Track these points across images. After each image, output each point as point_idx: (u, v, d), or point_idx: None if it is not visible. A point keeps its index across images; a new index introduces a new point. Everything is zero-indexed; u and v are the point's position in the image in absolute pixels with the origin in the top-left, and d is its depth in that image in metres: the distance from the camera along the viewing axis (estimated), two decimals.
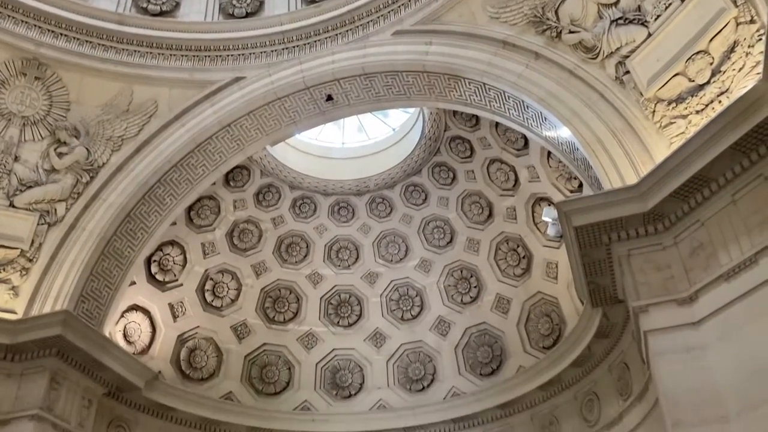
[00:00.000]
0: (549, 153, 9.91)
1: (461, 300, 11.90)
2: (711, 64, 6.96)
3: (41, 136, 9.52)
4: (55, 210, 9.40)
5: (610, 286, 7.77)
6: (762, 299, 5.87)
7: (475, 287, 11.77)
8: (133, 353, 9.98)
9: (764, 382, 5.64)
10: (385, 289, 12.37)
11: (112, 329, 10.00)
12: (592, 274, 7.66)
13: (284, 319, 12.15)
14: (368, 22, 9.52)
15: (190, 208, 11.19)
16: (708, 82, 7.01)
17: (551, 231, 9.45)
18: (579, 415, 9.70)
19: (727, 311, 6.14)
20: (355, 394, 11.90)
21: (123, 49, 9.83)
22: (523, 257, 11.08)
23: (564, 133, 8.25)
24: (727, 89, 6.82)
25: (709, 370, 6.06)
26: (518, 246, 11.13)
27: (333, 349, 12.15)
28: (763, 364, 5.68)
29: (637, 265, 6.93)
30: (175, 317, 11.11)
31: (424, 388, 11.75)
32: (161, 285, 11.03)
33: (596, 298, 8.07)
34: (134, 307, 10.63)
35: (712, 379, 6.01)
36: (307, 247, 12.32)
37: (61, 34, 9.63)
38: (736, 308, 6.08)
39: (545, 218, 9.28)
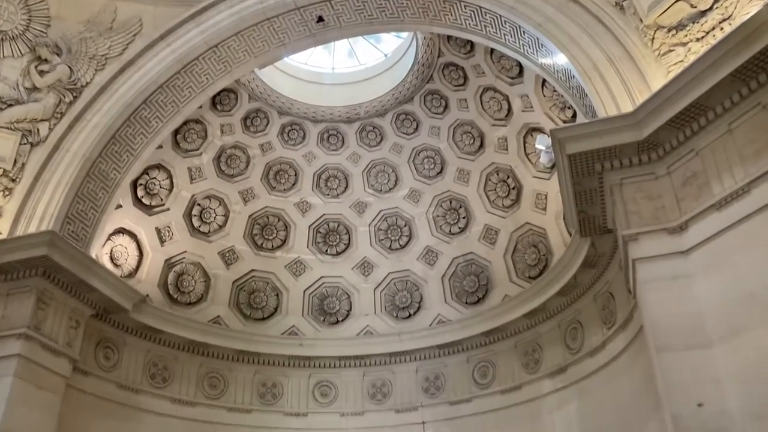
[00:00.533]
0: (543, 82, 9.75)
1: (449, 230, 11.91)
2: None
3: (21, 52, 9.22)
4: (38, 130, 9.20)
5: (600, 215, 7.78)
6: (752, 228, 5.89)
7: (463, 218, 11.77)
8: (121, 276, 9.95)
9: (748, 310, 5.72)
10: (373, 219, 12.34)
11: (99, 252, 9.94)
12: (583, 204, 7.65)
13: (272, 246, 12.14)
14: None
15: (176, 132, 10.98)
16: (710, 8, 6.83)
17: (544, 159, 9.39)
18: (562, 342, 9.87)
19: (717, 240, 6.16)
20: (343, 320, 12.03)
21: None
22: (513, 188, 11.04)
23: (560, 60, 8.08)
24: (730, 16, 6.64)
25: (695, 297, 6.13)
26: (508, 177, 11.08)
27: (321, 277, 12.21)
28: (749, 291, 5.75)
29: (628, 195, 6.92)
30: (162, 241, 11.06)
31: (410, 315, 11.90)
32: (148, 209, 10.93)
33: (585, 228, 8.08)
34: (121, 231, 10.54)
35: (697, 307, 6.08)
36: (295, 174, 12.20)
37: None
38: (725, 237, 6.10)
39: (538, 146, 9.19)
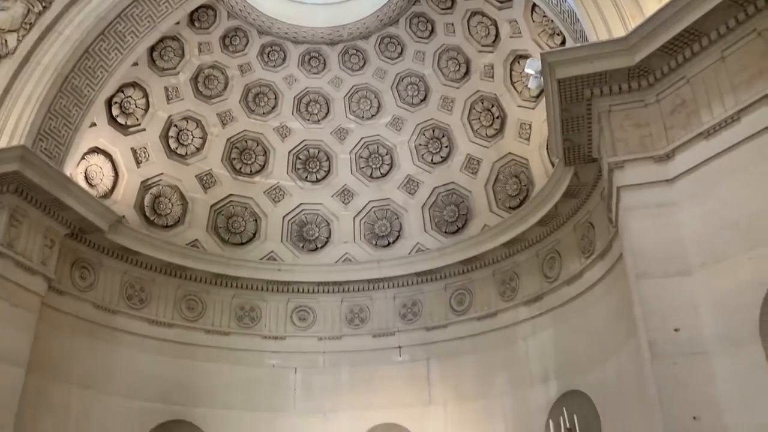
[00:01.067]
0: (533, 7, 9.48)
1: (431, 160, 11.80)
2: None
3: None
4: (6, 41, 8.80)
5: (585, 144, 7.71)
6: (740, 157, 5.88)
7: (446, 147, 11.65)
8: (96, 197, 9.72)
9: (730, 238, 5.77)
10: (354, 146, 12.16)
11: (73, 171, 9.68)
12: (569, 131, 7.57)
13: (251, 171, 11.94)
14: None
15: (152, 49, 10.55)
16: None
17: (532, 84, 9.22)
18: (539, 271, 9.97)
19: (703, 168, 6.15)
20: (322, 247, 12.01)
21: None
22: (497, 117, 10.91)
23: None
24: None
25: (677, 225, 6.16)
26: (493, 106, 10.92)
27: (300, 204, 12.10)
28: (732, 220, 5.78)
29: (616, 122, 6.85)
30: (138, 162, 10.80)
31: (389, 243, 11.91)
32: (123, 129, 10.61)
33: (570, 157, 8.03)
34: (95, 150, 10.24)
35: (679, 234, 6.12)
36: (275, 98, 11.89)
37: None
38: (711, 166, 6.09)
39: (528, 70, 9.00)
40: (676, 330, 5.80)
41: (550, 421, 9.05)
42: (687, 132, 6.36)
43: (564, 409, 8.83)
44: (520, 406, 9.75)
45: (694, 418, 5.46)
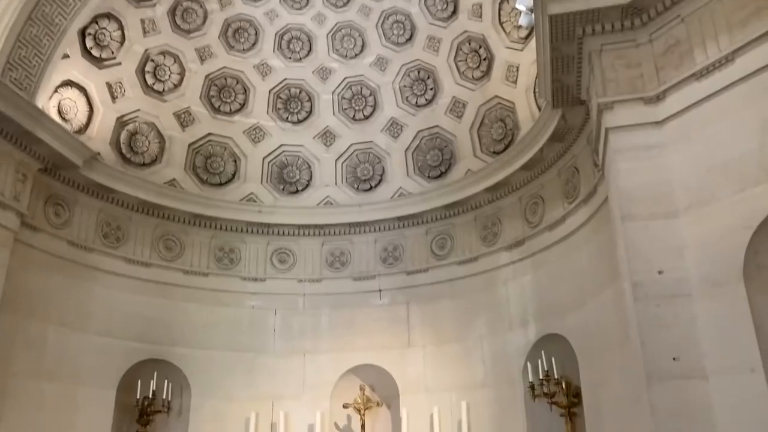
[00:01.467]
0: None
1: (416, 102, 11.57)
2: None
3: None
4: None
5: (574, 85, 7.57)
6: (732, 98, 5.77)
7: (431, 89, 11.42)
8: (70, 131, 9.40)
9: (718, 180, 5.72)
10: (337, 87, 11.87)
11: (46, 104, 9.32)
12: (559, 71, 7.41)
13: (230, 110, 11.63)
14: None
15: None
16: None
17: (523, 21, 8.99)
18: (522, 217, 9.92)
19: (694, 110, 6.05)
20: (302, 190, 11.84)
21: None
22: (484, 59, 10.66)
23: None
24: None
25: (665, 168, 6.09)
26: (480, 47, 10.65)
27: (281, 145, 11.85)
28: (721, 162, 5.72)
29: (607, 62, 6.70)
30: (113, 98, 10.43)
31: (371, 187, 11.77)
32: (98, 62, 10.20)
33: (558, 99, 7.88)
34: (69, 83, 9.85)
35: (667, 177, 6.06)
36: (256, 34, 11.50)
37: None
38: (703, 107, 5.98)
39: (519, 6, 8.76)
40: (660, 272, 5.78)
41: (528, 364, 9.15)
42: (679, 73, 6.23)
43: (542, 352, 8.93)
44: (499, 349, 9.83)
45: (674, 359, 5.50)
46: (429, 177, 11.41)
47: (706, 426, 5.17)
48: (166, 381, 9.89)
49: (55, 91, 9.62)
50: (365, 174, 11.79)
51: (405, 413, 10.05)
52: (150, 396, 9.72)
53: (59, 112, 9.67)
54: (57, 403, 8.89)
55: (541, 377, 8.78)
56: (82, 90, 10.04)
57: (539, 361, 8.87)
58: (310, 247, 11.52)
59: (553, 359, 8.74)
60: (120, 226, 10.22)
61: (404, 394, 10.43)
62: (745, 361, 5.11)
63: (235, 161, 11.58)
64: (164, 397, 9.84)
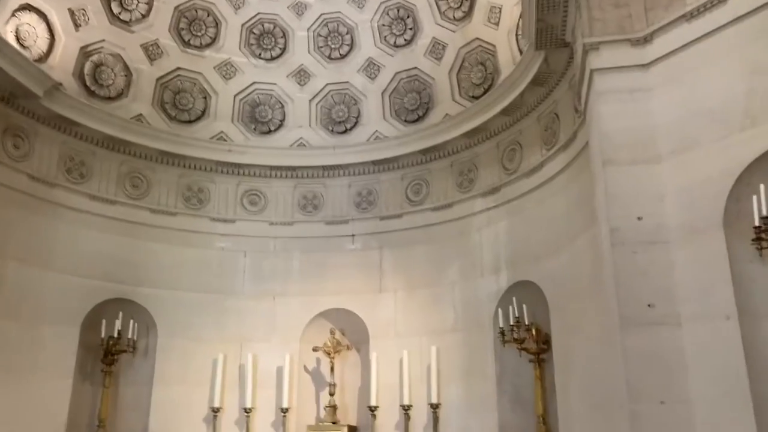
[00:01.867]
0: None
1: (394, 42, 11.20)
2: None
3: None
4: None
5: (559, 25, 7.31)
6: (722, 41, 5.59)
7: (410, 29, 11.03)
8: (29, 59, 8.90)
9: (703, 126, 5.58)
10: (313, 23, 11.41)
11: (2, 29, 8.79)
12: (544, 11, 7.14)
13: (201, 44, 11.14)
14: None
15: None
16: None
17: None
18: (499, 163, 9.77)
19: (682, 53, 5.86)
20: (275, 130, 11.50)
21: None
22: None
23: None
24: None
25: (650, 112, 5.94)
26: None
27: (253, 83, 11.44)
28: (707, 107, 5.57)
29: (595, 0, 6.45)
30: (76, 25, 9.87)
31: (346, 130, 11.48)
32: None
33: (542, 39, 7.63)
34: (27, 7, 9.25)
35: (651, 122, 5.91)
36: None
37: None
38: (691, 50, 5.80)
39: None
40: (639, 218, 5.69)
41: (499, 310, 9.13)
42: (668, 14, 6.01)
43: (513, 298, 8.91)
44: (470, 295, 9.79)
45: (649, 305, 5.45)
46: (406, 121, 11.14)
47: (677, 371, 5.16)
48: (131, 321, 9.69)
49: (13, 14, 9.06)
50: (340, 116, 11.48)
51: (375, 357, 10.04)
52: (115, 335, 9.52)
53: (17, 38, 9.13)
54: (19, 342, 8.64)
55: (511, 323, 8.77)
56: (42, 16, 9.48)
57: (510, 308, 8.85)
58: (282, 190, 11.28)
59: (524, 306, 8.72)
60: (84, 162, 9.83)
61: (374, 338, 10.39)
62: (720, 308, 5.07)
63: (205, 98, 11.16)
64: (130, 336, 9.66)
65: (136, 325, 9.74)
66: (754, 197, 4.87)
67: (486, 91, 10.07)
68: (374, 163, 10.99)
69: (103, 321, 9.50)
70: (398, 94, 11.23)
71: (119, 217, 10.08)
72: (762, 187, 4.82)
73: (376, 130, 11.27)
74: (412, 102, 11.12)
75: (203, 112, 11.15)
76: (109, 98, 10.28)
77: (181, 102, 11.01)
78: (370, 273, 10.79)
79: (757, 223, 4.81)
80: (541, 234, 8.74)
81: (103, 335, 9.50)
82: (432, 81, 10.93)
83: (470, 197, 10.13)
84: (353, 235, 11.03)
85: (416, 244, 10.59)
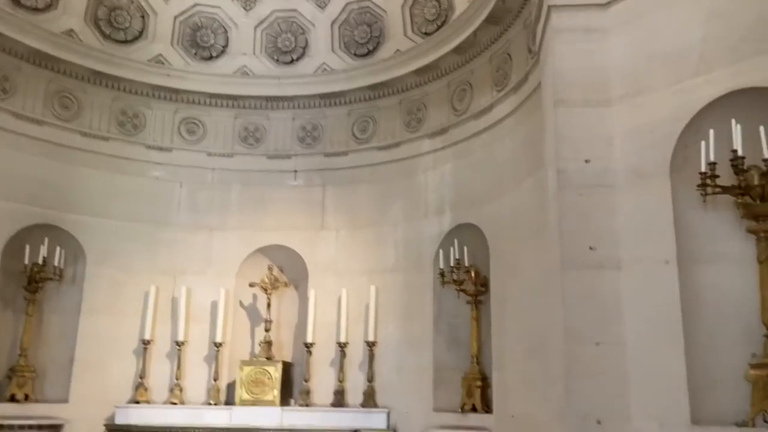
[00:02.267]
0: None
1: None
2: None
3: None
4: None
5: None
6: None
7: None
8: None
9: (657, 70, 5.48)
10: None
11: None
12: None
13: None
14: None
15: None
16: None
17: None
18: (448, 103, 9.58)
19: None
20: (217, 56, 10.95)
21: None
22: None
23: None
24: None
25: (605, 53, 5.79)
26: None
27: (195, 4, 10.76)
28: (662, 52, 5.46)
29: None
30: None
31: (292, 60, 11.04)
32: None
33: None
34: None
35: (605, 63, 5.76)
36: None
37: None
38: None
39: None
40: (587, 161, 5.60)
41: (440, 251, 9.11)
42: None
43: (455, 240, 8.88)
44: (412, 235, 9.72)
45: (591, 248, 5.43)
46: (355, 54, 10.77)
47: (614, 313, 5.18)
48: (58, 248, 9.26)
49: None
50: (287, 45, 11.01)
51: (313, 294, 9.93)
52: (40, 262, 9.07)
53: None
54: None
55: (451, 265, 8.76)
56: None
57: (451, 249, 8.82)
58: (222, 119, 10.84)
59: (465, 248, 8.71)
60: (7, 77, 9.15)
61: (313, 275, 10.26)
62: (660, 252, 5.08)
63: (143, 17, 10.49)
64: (56, 264, 9.22)
65: (63, 252, 9.32)
66: (702, 143, 4.83)
67: (439, 28, 9.78)
68: (320, 96, 10.64)
69: (27, 246, 9.03)
70: (348, 25, 10.81)
71: (47, 138, 9.49)
72: (711, 132, 4.77)
73: (324, 62, 10.87)
74: (363, 35, 10.73)
75: (140, 33, 10.49)
76: (37, 9, 9.52)
77: (116, 20, 10.32)
78: (311, 210, 10.58)
79: (703, 169, 4.78)
80: (487, 177, 8.67)
81: (26, 261, 9.04)
82: (384, 14, 10.54)
83: (418, 137, 9.96)
84: (296, 171, 10.75)
85: (361, 182, 10.41)
